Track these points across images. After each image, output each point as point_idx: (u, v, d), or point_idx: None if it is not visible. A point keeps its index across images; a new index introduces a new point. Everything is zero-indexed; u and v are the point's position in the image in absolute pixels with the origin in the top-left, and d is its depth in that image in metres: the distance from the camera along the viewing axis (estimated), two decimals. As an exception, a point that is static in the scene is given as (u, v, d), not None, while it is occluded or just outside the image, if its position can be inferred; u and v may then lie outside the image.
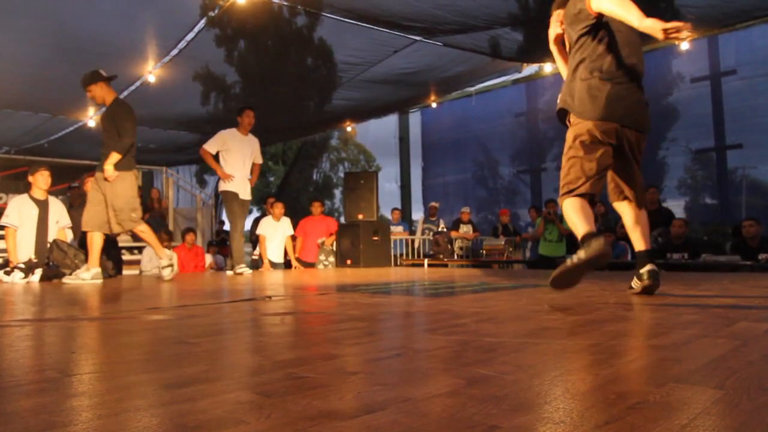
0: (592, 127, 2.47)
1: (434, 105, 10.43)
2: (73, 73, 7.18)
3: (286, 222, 7.24)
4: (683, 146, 8.60)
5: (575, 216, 2.43)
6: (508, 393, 0.93)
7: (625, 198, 2.67)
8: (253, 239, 8.18)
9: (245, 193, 5.82)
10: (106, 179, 4.43)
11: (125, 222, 4.53)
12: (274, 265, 7.08)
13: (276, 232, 7.20)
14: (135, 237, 8.83)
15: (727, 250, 6.32)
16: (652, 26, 2.18)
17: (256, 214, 20.19)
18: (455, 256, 8.99)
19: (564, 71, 2.77)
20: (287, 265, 7.35)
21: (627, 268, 6.28)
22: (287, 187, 20.44)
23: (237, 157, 5.74)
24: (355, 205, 7.74)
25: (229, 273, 5.84)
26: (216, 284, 4.34)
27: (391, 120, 12.13)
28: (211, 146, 5.72)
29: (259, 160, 6.06)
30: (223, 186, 5.73)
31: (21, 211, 5.03)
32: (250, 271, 5.78)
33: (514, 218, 10.10)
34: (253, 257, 7.91)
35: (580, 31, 2.56)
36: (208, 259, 8.17)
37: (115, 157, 4.41)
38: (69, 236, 5.32)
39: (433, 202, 10.36)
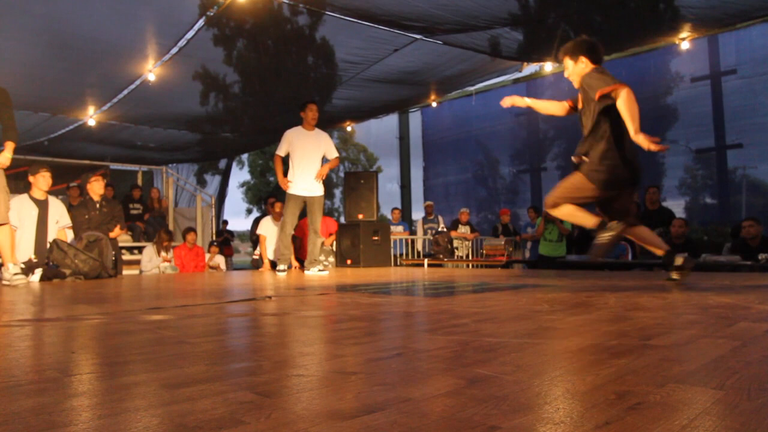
0: None
1: (434, 104, 10.43)
2: (73, 73, 7.21)
3: None
4: (683, 146, 8.60)
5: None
6: (508, 393, 0.93)
7: None
8: (254, 239, 8.18)
9: (312, 190, 5.58)
10: None
11: None
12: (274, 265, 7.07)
13: (277, 232, 7.18)
14: (135, 237, 8.90)
15: (725, 251, 6.32)
16: (642, 141, 2.64)
17: (256, 213, 20.14)
18: (455, 256, 8.99)
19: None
20: (287, 265, 7.34)
21: (627, 268, 6.28)
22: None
23: (302, 155, 5.53)
24: (355, 205, 7.73)
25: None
26: (216, 284, 4.34)
27: (392, 120, 12.11)
28: (281, 149, 5.54)
29: (334, 154, 5.73)
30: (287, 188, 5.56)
31: (20, 211, 5.02)
32: (284, 272, 5.51)
33: (514, 218, 10.10)
34: (254, 257, 7.91)
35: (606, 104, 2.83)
36: (208, 258, 8.17)
37: (12, 146, 4.08)
38: (69, 236, 5.31)
39: (428, 201, 10.37)
